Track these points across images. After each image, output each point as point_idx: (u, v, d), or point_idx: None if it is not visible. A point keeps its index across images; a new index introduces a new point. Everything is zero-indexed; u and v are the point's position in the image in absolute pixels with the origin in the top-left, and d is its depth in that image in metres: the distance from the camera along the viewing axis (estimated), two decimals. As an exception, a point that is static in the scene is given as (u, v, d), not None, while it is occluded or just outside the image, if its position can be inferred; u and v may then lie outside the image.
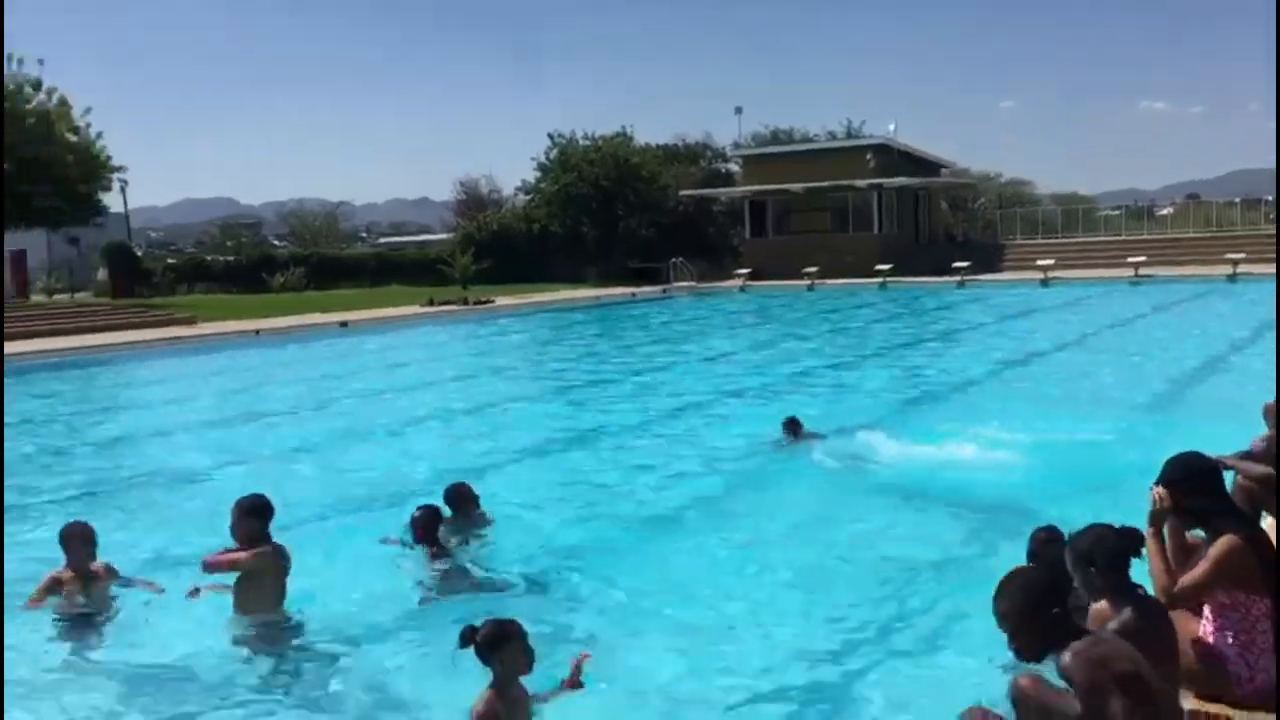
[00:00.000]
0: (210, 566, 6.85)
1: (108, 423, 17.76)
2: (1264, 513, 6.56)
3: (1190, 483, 5.00)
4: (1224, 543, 4.84)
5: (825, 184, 48.54)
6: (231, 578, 6.92)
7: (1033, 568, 4.41)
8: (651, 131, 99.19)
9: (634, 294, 43.28)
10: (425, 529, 7.94)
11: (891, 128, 52.89)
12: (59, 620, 7.09)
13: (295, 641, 6.76)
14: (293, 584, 7.01)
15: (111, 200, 49.06)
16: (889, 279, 41.27)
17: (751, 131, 67.53)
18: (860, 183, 47.81)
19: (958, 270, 40.99)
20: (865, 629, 6.82)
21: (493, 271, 52.30)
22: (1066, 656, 3.98)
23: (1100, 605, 4.64)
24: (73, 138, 43.20)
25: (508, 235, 57.13)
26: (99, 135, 44.77)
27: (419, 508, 8.11)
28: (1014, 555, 6.27)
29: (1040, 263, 41.09)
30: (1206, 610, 5.02)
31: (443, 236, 71.71)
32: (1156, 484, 5.06)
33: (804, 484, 10.69)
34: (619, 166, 54.99)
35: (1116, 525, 4.72)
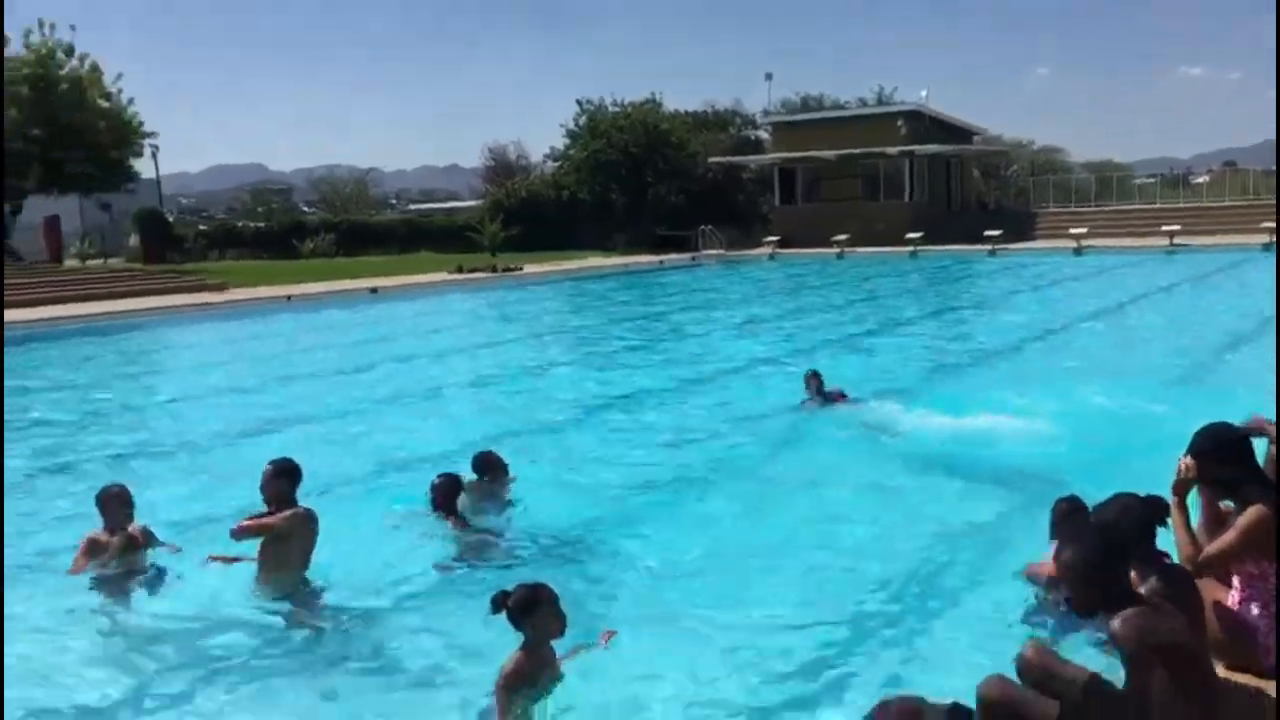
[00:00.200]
0: (241, 532, 6.94)
1: (140, 387, 17.98)
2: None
3: (1220, 453, 4.97)
4: (1253, 513, 4.82)
5: (856, 151, 48.17)
6: (253, 548, 7.02)
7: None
8: (681, 98, 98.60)
9: (662, 261, 43.21)
10: (444, 497, 7.99)
11: (924, 94, 52.40)
12: (95, 581, 7.21)
13: (321, 605, 6.84)
14: (319, 549, 7.09)
15: (143, 166, 49.45)
16: (919, 247, 41.00)
17: (781, 98, 67.17)
18: (891, 150, 47.40)
19: (989, 239, 40.65)
20: (887, 594, 6.84)
21: (521, 239, 52.33)
22: (1117, 623, 3.93)
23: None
24: (105, 104, 43.49)
25: (536, 202, 57.11)
26: (130, 101, 45.08)
27: (439, 475, 8.17)
28: (1040, 524, 6.28)
29: (1073, 231, 40.68)
30: (1235, 580, 5.00)
31: (471, 204, 71.81)
32: (1186, 454, 5.04)
33: (832, 450, 10.70)
34: (648, 133, 54.77)
35: (1142, 494, 4.71)
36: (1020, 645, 4.31)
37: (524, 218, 54.93)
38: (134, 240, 57.13)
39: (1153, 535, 4.66)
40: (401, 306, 29.65)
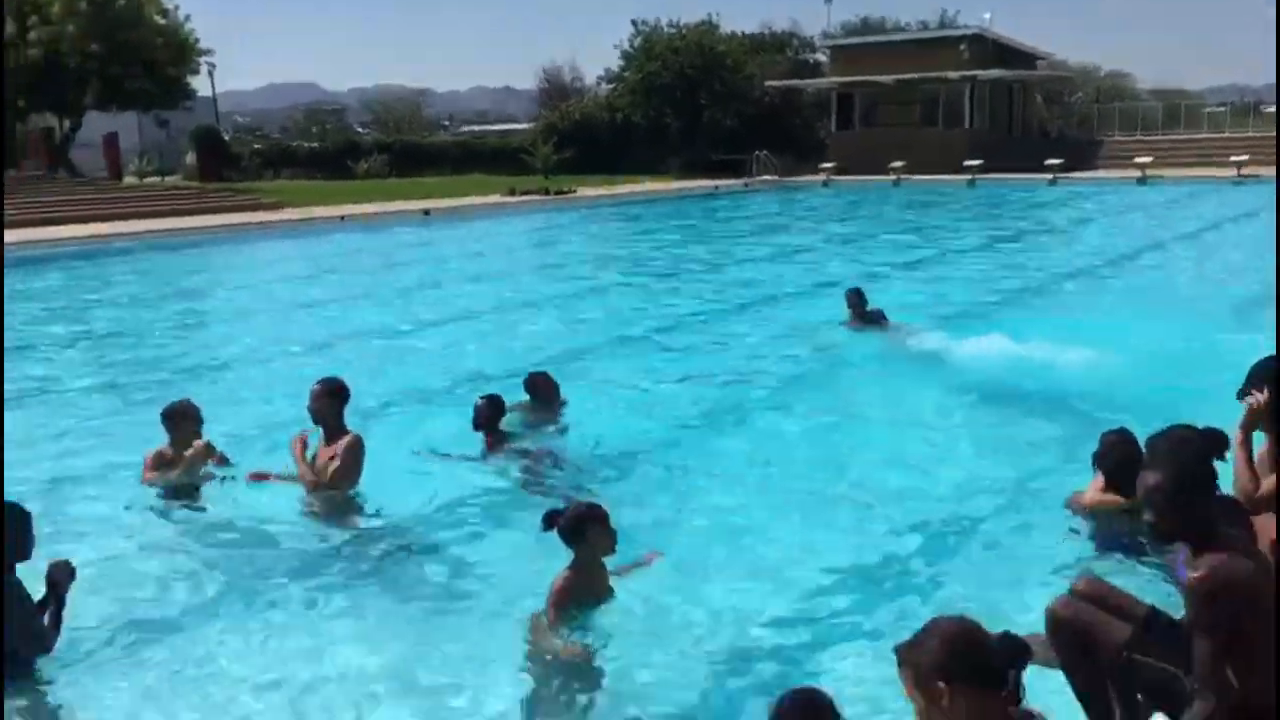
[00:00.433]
0: (300, 472, 7.11)
1: (197, 304, 18.26)
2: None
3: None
4: None
5: (916, 76, 47.16)
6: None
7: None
8: (738, 20, 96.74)
9: (716, 187, 42.82)
10: (487, 418, 8.05)
11: (987, 17, 50.98)
12: (160, 493, 7.40)
13: (369, 525, 6.95)
14: (367, 470, 7.20)
15: (199, 84, 49.61)
16: (978, 175, 40.25)
17: (841, 20, 65.86)
18: (952, 75, 46.35)
19: (1050, 167, 39.80)
20: (929, 521, 6.84)
21: (574, 161, 52.04)
22: (1195, 574, 3.71)
23: None
24: (161, 21, 43.63)
25: (590, 125, 56.67)
26: (187, 18, 45.18)
27: (482, 396, 8.22)
28: (1087, 455, 6.24)
29: (1138, 160, 39.70)
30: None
31: (525, 126, 71.40)
32: (1248, 388, 4.95)
33: (883, 378, 10.67)
34: (704, 55, 53.95)
35: (1200, 426, 4.64)
36: (1071, 577, 4.30)
37: (577, 140, 54.56)
38: (190, 158, 57.54)
39: (1211, 470, 4.60)
40: (453, 228, 29.72)
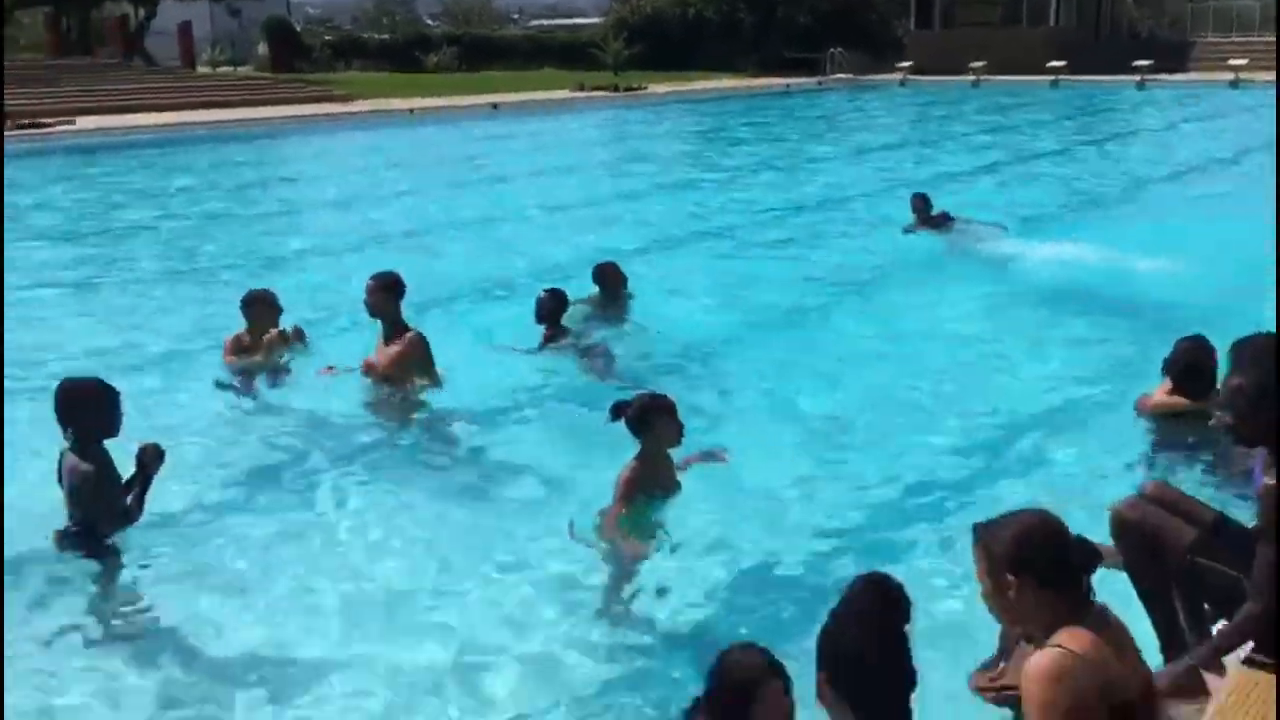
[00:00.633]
0: (366, 369, 7.22)
1: (269, 193, 18.44)
2: None
3: None
4: None
5: (1000, -29, 45.44)
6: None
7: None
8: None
9: (789, 85, 41.89)
10: (550, 311, 8.07)
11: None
12: (235, 380, 7.60)
13: (434, 418, 7.06)
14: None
15: (271, -28, 49.38)
16: (1062, 77, 38.92)
17: (924, -88, 63.17)
18: (1038, -30, 44.60)
19: (1138, 69, 38.34)
20: (995, 422, 6.80)
21: (645, 57, 51.14)
22: (1271, 480, 3.61)
23: None
24: (233, -92, 43.29)
25: (661, 20, 55.53)
26: (258, -95, 44.76)
27: (545, 290, 8.24)
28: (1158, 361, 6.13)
29: (1232, 63, 38.07)
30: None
31: (595, 20, 70.22)
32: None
33: (948, 281, 10.53)
34: (779, -52, 52.40)
35: None
36: (1138, 481, 4.26)
37: (648, 36, 53.55)
38: (262, 49, 57.53)
39: None
40: (522, 123, 29.53)
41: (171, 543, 5.40)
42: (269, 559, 5.35)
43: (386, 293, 7.13)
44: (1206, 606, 3.98)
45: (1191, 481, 5.36)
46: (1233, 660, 3.65)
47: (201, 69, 47.15)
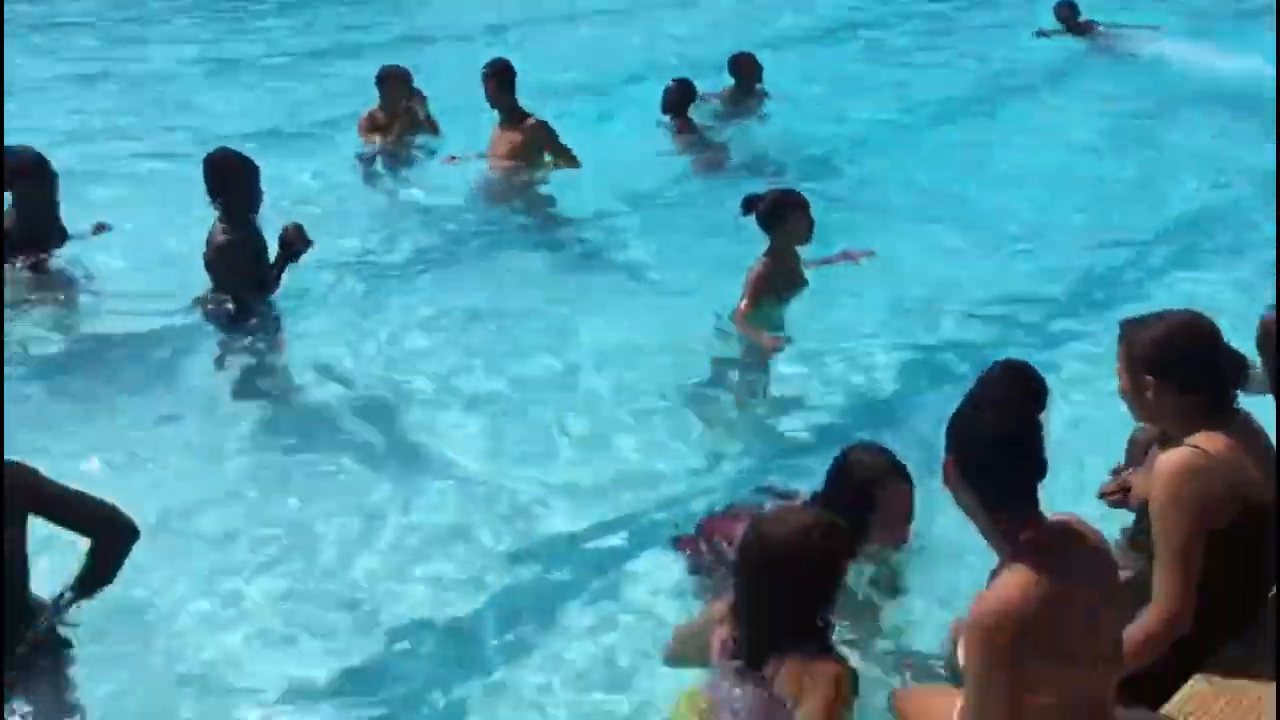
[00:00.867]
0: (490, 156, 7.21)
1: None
2: None
3: None
4: None
5: None
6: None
7: None
8: None
9: None
10: (675, 102, 7.90)
11: None
12: (367, 157, 7.70)
13: (550, 207, 7.07)
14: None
15: None
16: None
17: None
18: None
19: None
20: (1137, 230, 6.58)
21: None
22: None
23: None
24: None
25: None
26: None
27: (673, 80, 8.04)
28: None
29: None
30: None
31: None
32: None
33: (1103, 83, 10.00)
34: None
35: None
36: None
37: None
38: None
39: None
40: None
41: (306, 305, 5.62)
42: (390, 319, 5.55)
43: (499, 80, 7.05)
44: None
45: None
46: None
47: None
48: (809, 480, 3.59)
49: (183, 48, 11.65)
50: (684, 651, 3.10)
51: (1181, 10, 13.19)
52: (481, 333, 5.56)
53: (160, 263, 5.92)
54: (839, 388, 5.04)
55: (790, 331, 5.18)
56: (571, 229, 6.85)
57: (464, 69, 10.40)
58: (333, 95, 9.49)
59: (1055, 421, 2.42)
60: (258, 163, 5.25)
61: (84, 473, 3.68)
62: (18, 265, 5.44)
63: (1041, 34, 11.44)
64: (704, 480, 4.39)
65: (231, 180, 5.12)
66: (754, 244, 5.21)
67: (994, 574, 2.35)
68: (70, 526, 3.05)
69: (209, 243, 5.20)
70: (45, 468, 3.04)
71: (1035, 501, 2.35)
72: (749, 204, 5.16)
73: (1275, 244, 3.09)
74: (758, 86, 8.77)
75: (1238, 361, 3.04)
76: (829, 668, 2.78)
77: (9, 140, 5.52)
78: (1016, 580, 2.25)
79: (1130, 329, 2.86)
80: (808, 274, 5.36)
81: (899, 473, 3.32)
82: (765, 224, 5.13)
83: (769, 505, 3.56)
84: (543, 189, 7.20)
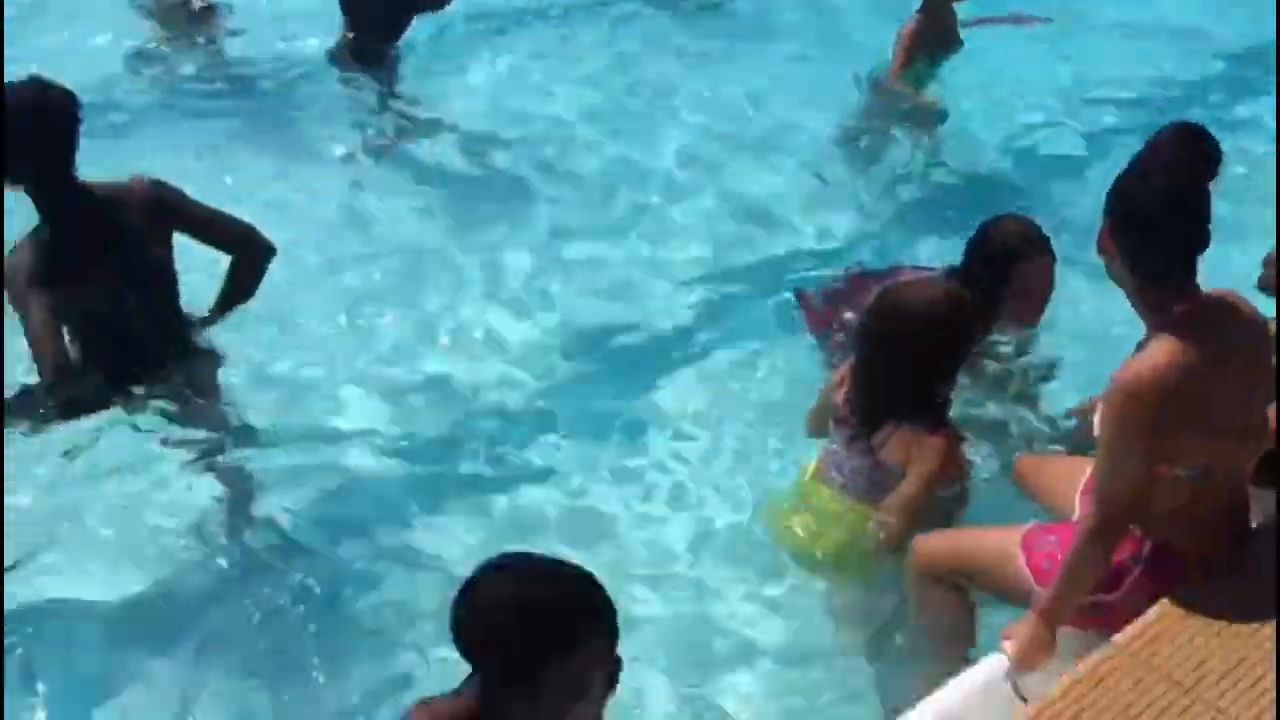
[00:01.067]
0: None
1: None
2: None
3: None
4: None
5: None
6: None
7: None
8: None
9: None
10: None
11: None
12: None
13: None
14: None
15: None
16: None
17: None
18: None
19: None
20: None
21: None
22: None
23: None
24: None
25: None
26: None
27: None
28: None
29: None
30: None
31: None
32: None
33: None
34: None
35: None
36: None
37: None
38: None
39: None
40: None
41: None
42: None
43: None
44: None
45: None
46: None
47: None
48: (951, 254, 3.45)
49: None
50: (817, 425, 3.11)
51: None
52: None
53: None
54: (987, 159, 4.79)
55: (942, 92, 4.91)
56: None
57: None
58: None
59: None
60: None
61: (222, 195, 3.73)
62: None
63: None
64: (834, 242, 4.30)
65: None
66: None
67: (1141, 345, 2.25)
68: (212, 244, 3.16)
69: None
70: (189, 189, 3.12)
71: (1194, 272, 2.21)
72: None
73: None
74: None
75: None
76: (938, 441, 2.77)
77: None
78: (1166, 349, 2.16)
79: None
80: (964, 34, 5.02)
81: (1041, 245, 3.17)
82: None
83: (902, 275, 3.47)
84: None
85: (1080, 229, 3.14)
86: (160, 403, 3.15)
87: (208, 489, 3.19)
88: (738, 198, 4.64)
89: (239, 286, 3.22)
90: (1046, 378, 3.38)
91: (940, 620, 2.62)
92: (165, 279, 3.10)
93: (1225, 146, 2.24)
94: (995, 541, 2.51)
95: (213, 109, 5.16)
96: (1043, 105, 5.23)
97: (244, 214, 3.21)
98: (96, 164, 3.01)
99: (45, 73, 2.91)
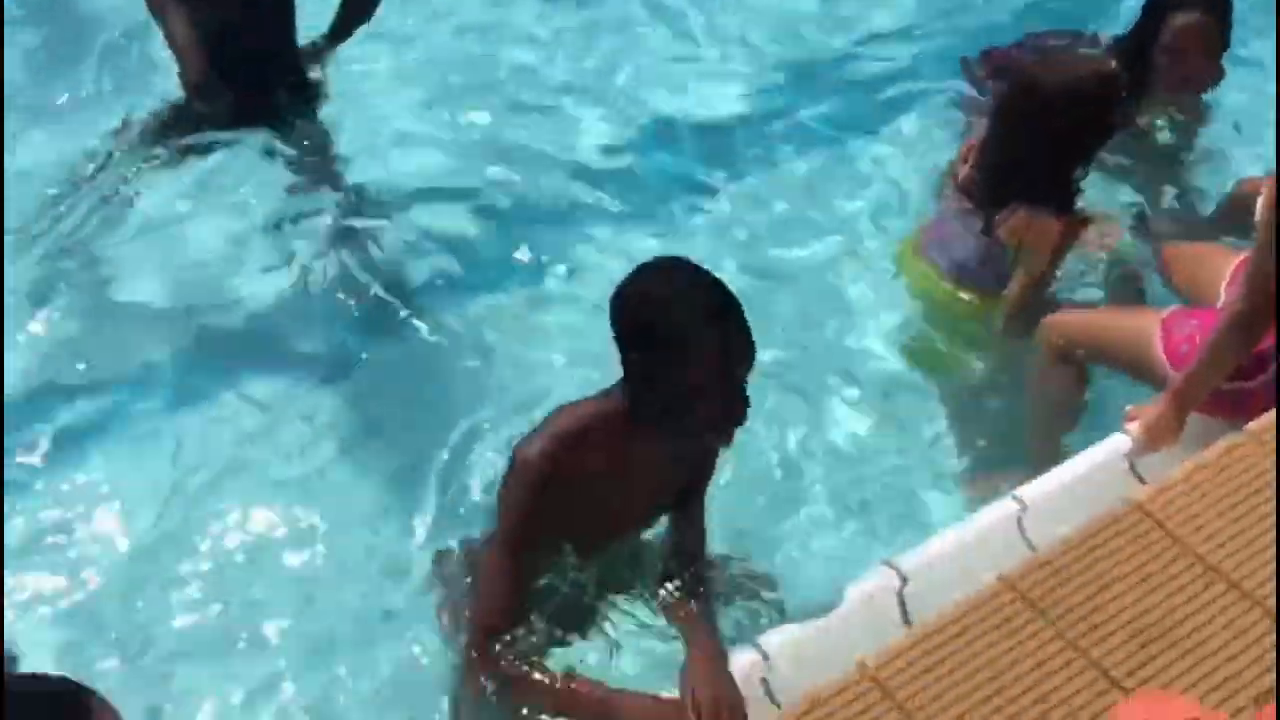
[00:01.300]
0: None
1: None
2: None
3: None
4: None
5: None
6: None
7: None
8: None
9: None
10: None
11: None
12: None
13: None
14: None
15: None
16: None
17: None
18: None
19: None
20: None
21: None
22: None
23: None
24: None
25: None
26: None
27: None
28: None
29: None
30: None
31: None
32: None
33: None
34: None
35: None
36: None
37: None
38: None
39: None
40: None
41: None
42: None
43: None
44: None
45: None
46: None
47: None
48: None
49: None
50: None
51: None
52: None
53: None
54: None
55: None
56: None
57: None
58: None
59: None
60: None
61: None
62: None
63: None
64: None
65: None
66: None
67: None
68: None
69: None
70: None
71: None
72: None
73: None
74: None
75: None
76: (1056, 226, 2.66)
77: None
78: None
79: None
80: None
81: (1203, 2, 2.94)
82: None
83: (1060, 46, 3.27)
84: None
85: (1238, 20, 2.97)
86: (279, 143, 3.18)
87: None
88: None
89: (356, 9, 3.19)
90: (1196, 163, 3.20)
91: (1057, 396, 2.61)
92: (282, 13, 3.09)
93: None
94: (1134, 321, 2.45)
95: None
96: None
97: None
98: None
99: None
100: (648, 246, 2.99)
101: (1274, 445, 2.16)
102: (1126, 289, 2.87)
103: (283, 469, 2.65)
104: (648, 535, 2.12)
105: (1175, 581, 1.94)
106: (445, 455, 2.63)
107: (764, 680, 1.85)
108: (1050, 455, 2.43)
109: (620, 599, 2.06)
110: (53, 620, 2.35)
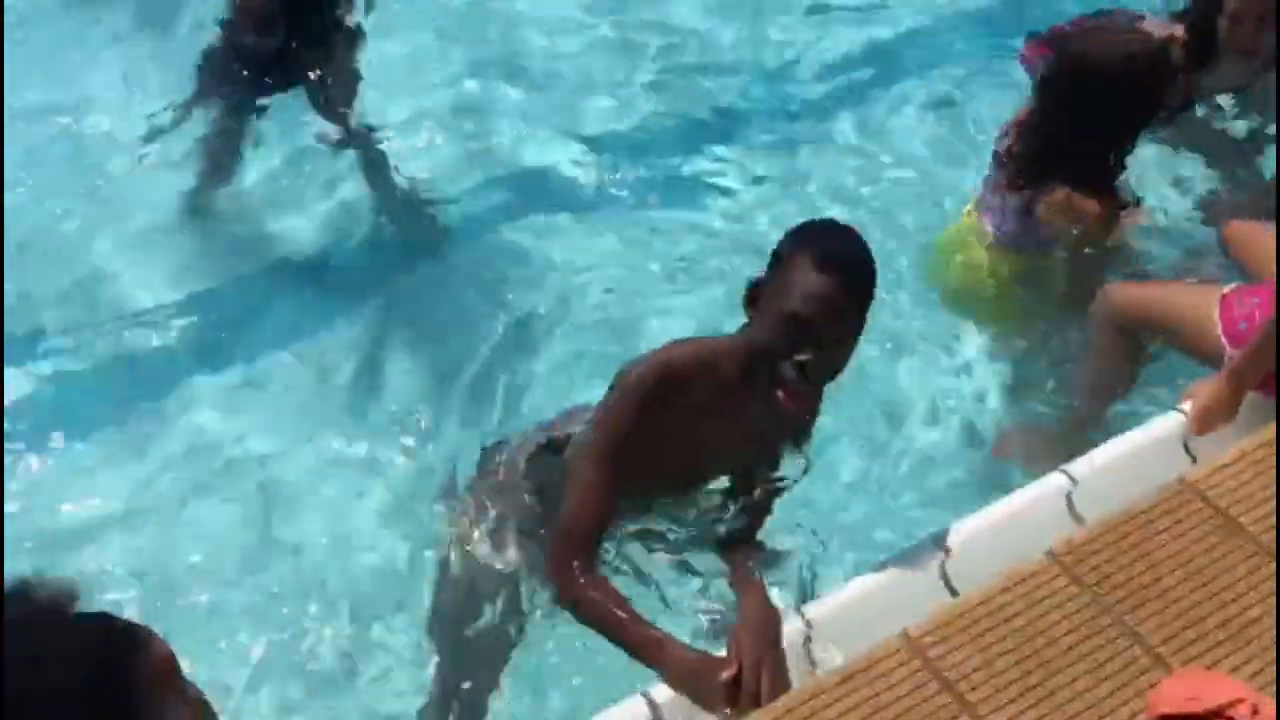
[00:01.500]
0: None
1: None
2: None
3: None
4: None
5: None
6: None
7: None
8: None
9: None
10: None
11: None
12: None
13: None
14: None
15: None
16: None
17: None
18: None
19: None
20: None
21: None
22: None
23: None
24: None
25: None
26: None
27: None
28: None
29: None
30: None
31: None
32: None
33: None
34: None
35: None
36: None
37: None
38: None
39: None
40: None
41: None
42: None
43: None
44: None
45: None
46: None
47: None
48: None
49: None
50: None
51: None
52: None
53: None
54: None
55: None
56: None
57: None
58: None
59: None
60: None
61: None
62: None
63: None
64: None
65: None
66: None
67: None
68: None
69: None
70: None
71: None
72: None
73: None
74: None
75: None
76: (1092, 206, 2.61)
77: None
78: None
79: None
80: None
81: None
82: None
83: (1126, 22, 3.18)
84: None
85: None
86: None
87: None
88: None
89: None
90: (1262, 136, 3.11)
91: (1111, 366, 2.60)
92: None
93: None
94: (1193, 296, 2.42)
95: None
96: None
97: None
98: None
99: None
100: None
101: (1329, 427, 2.12)
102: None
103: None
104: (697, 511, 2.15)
105: (1225, 561, 1.91)
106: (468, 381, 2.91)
107: (807, 647, 1.86)
108: (1095, 424, 2.42)
109: (668, 559, 2.09)
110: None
